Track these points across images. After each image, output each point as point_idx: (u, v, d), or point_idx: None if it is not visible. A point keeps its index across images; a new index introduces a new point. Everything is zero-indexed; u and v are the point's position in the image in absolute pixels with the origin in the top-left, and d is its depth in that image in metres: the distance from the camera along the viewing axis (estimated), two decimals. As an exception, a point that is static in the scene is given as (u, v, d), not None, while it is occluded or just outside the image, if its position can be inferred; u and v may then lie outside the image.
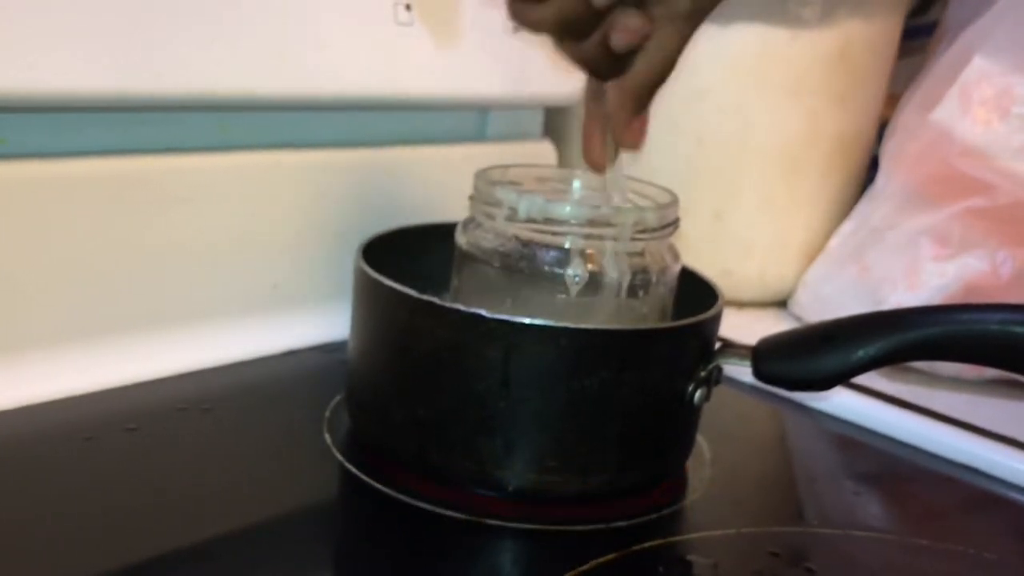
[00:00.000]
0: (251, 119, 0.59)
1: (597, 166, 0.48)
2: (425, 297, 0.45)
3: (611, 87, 0.44)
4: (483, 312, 0.44)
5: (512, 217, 0.48)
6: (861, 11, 0.73)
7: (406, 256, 0.53)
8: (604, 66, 0.43)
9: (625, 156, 0.48)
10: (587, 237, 0.47)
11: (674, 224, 0.50)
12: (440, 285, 0.51)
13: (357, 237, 0.51)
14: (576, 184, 0.54)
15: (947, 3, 0.78)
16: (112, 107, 0.52)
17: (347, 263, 0.50)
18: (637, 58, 0.43)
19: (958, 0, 0.76)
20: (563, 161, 0.77)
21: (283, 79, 0.57)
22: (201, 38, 0.53)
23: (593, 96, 0.47)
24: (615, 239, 0.47)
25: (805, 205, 0.77)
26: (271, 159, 0.59)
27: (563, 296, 0.47)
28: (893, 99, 0.77)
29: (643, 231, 0.48)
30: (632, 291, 0.48)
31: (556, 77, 0.69)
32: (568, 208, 0.48)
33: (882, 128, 0.77)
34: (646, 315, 0.49)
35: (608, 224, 0.47)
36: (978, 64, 0.68)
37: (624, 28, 0.41)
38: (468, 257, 0.50)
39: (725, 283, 0.53)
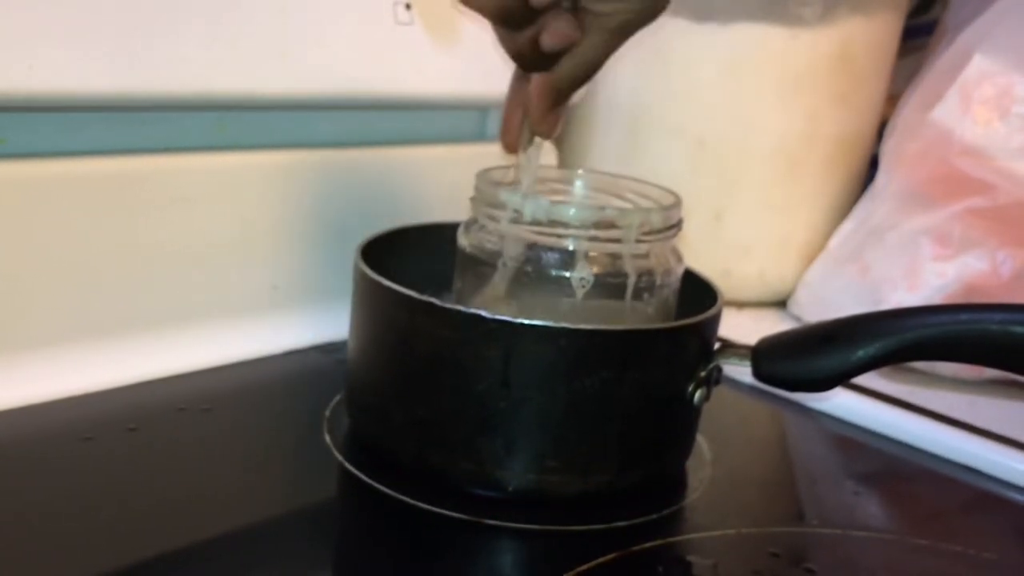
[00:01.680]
0: (250, 118, 0.59)
1: (510, 147, 0.49)
2: (425, 298, 0.45)
3: (535, 78, 0.46)
4: (483, 312, 0.44)
5: (517, 219, 0.48)
6: (861, 10, 0.73)
7: (406, 256, 0.53)
8: (532, 60, 0.45)
9: (539, 142, 0.49)
10: (592, 239, 0.47)
11: (678, 225, 0.50)
12: (440, 285, 0.51)
13: (357, 237, 0.51)
14: (578, 184, 0.54)
15: (947, 2, 0.78)
16: (111, 107, 0.52)
17: (347, 263, 0.50)
18: (564, 59, 0.45)
19: (958, -1, 0.76)
20: (564, 162, 0.77)
21: (282, 78, 0.57)
22: (200, 37, 0.53)
23: (519, 81, 0.48)
24: (620, 241, 0.47)
25: (805, 205, 0.77)
26: (270, 159, 0.59)
27: (568, 299, 0.47)
28: (893, 99, 0.77)
29: (648, 233, 0.48)
30: (637, 293, 0.48)
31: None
32: (573, 210, 0.47)
33: (882, 128, 0.77)
34: (651, 317, 0.49)
35: (613, 226, 0.47)
36: (978, 63, 0.68)
37: (555, 31, 0.43)
38: (471, 259, 0.50)
39: (725, 283, 0.53)
